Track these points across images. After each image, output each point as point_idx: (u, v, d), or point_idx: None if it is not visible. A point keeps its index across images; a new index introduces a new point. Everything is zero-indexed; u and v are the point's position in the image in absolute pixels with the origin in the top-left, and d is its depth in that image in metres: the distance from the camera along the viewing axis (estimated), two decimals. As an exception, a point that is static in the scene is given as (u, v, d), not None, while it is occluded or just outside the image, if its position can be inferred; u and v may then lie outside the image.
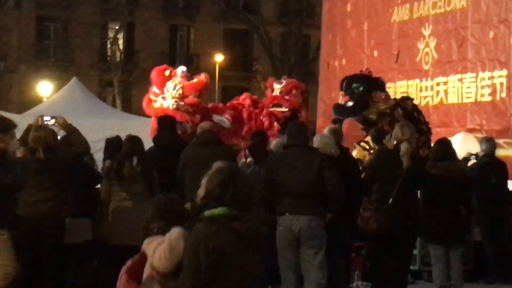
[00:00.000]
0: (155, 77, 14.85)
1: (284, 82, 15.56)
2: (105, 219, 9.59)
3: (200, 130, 10.37)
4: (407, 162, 8.86)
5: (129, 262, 5.03)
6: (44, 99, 34.89)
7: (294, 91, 15.36)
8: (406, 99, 14.30)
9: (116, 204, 9.48)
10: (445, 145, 10.18)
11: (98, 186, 10.10)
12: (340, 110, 14.50)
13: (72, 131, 9.30)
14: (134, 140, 9.82)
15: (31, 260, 9.06)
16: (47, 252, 9.02)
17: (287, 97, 15.18)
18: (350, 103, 14.32)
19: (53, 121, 9.44)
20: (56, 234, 9.03)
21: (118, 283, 4.92)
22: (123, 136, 10.30)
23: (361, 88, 14.23)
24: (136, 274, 4.95)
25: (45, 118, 9.52)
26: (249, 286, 4.70)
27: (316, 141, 9.89)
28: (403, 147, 8.92)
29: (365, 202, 9.20)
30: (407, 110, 13.62)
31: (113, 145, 10.44)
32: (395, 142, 9.15)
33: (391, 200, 8.83)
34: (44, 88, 41.87)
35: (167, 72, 14.76)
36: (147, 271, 4.92)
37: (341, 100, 14.90)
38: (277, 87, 15.42)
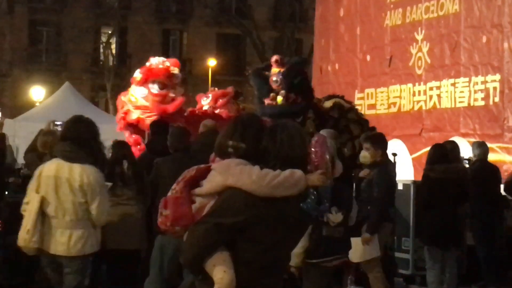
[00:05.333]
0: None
1: (210, 96, 15.47)
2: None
3: (204, 128, 10.32)
4: None
5: (193, 171, 4.62)
6: (37, 104, 34.80)
7: (220, 100, 15.27)
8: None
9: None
10: (440, 148, 10.17)
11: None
12: (293, 109, 12.06)
13: None
14: (122, 145, 9.78)
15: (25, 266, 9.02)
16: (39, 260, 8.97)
17: (216, 111, 15.10)
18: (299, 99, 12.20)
19: None
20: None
21: (173, 186, 4.58)
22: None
23: (301, 80, 12.39)
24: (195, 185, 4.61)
25: (57, 122, 9.48)
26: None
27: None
28: None
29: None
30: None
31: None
32: None
33: None
34: (37, 92, 41.73)
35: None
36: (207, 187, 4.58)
37: (274, 101, 13.20)
38: (205, 103, 15.34)
